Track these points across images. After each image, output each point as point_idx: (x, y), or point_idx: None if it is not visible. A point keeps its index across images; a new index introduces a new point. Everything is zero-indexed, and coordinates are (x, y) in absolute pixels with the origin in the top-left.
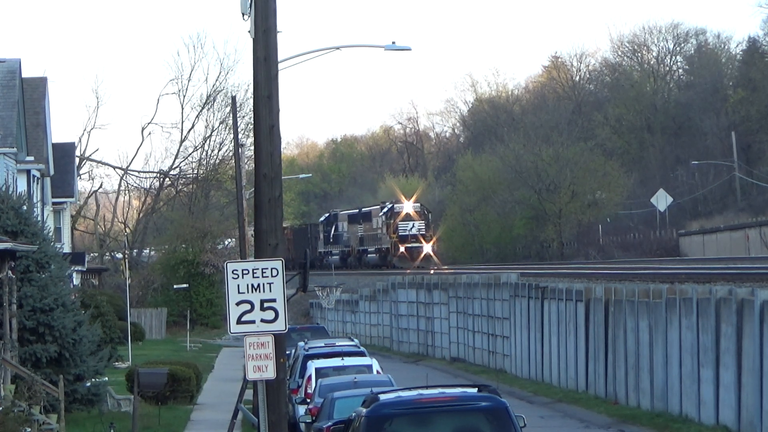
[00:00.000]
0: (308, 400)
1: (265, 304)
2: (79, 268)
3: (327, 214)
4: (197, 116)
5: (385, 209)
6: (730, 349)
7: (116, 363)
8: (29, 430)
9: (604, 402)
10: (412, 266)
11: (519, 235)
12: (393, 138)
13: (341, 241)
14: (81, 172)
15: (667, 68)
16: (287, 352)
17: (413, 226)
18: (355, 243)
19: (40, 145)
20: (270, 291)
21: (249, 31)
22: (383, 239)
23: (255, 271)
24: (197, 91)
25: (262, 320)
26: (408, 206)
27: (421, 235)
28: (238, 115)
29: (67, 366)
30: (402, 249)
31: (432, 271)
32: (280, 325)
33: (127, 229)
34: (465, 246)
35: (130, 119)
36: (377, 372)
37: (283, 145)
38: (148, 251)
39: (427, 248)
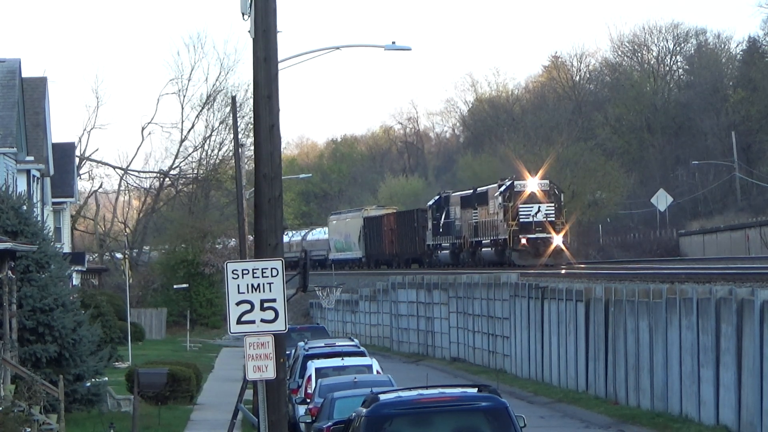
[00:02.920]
0: (308, 400)
1: (265, 304)
2: (79, 268)
3: (437, 196)
4: (197, 116)
5: (503, 188)
6: (730, 349)
7: (116, 363)
8: (29, 430)
9: (605, 402)
10: (536, 264)
11: None
12: (393, 138)
13: (452, 230)
14: (81, 172)
15: (667, 68)
16: (287, 352)
17: (539, 210)
18: (469, 233)
19: (40, 145)
20: (270, 291)
21: (249, 31)
22: (500, 228)
23: (255, 271)
24: (197, 91)
25: (262, 320)
26: (532, 183)
27: (549, 222)
28: (238, 115)
29: (67, 366)
30: (523, 241)
31: (563, 271)
32: (280, 325)
33: (127, 229)
34: None
35: (130, 119)
36: (377, 372)
37: (283, 145)
38: (148, 251)
39: (557, 240)
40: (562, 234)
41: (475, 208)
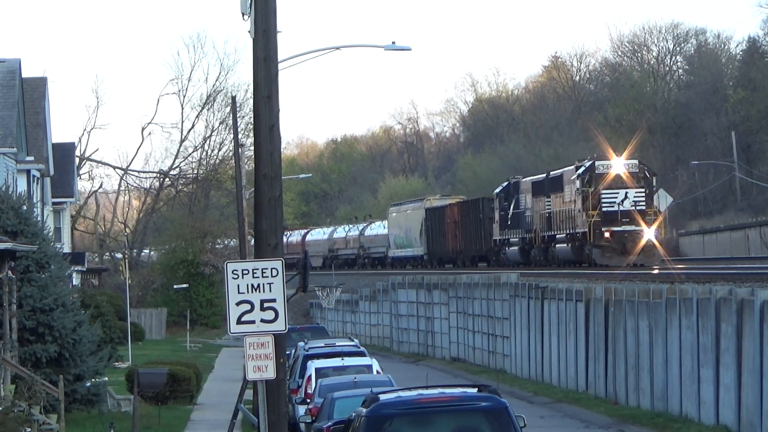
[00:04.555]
0: (308, 400)
1: (265, 304)
2: (79, 268)
3: (505, 182)
4: (197, 116)
5: (581, 170)
6: (730, 349)
7: (116, 363)
8: (29, 430)
9: (604, 402)
10: (622, 264)
11: None
12: (393, 138)
13: (522, 222)
14: (81, 172)
15: (667, 68)
16: (287, 352)
17: (625, 196)
18: (541, 226)
19: (40, 145)
20: (270, 291)
21: (249, 31)
22: (578, 219)
23: (255, 271)
24: (197, 91)
25: (262, 320)
26: (618, 164)
27: (639, 211)
28: (238, 115)
29: (67, 366)
30: (606, 235)
31: (656, 270)
32: (280, 325)
33: (127, 229)
34: None
35: (130, 119)
36: (377, 372)
37: (283, 145)
38: (148, 251)
39: (649, 233)
40: (654, 226)
41: (548, 195)
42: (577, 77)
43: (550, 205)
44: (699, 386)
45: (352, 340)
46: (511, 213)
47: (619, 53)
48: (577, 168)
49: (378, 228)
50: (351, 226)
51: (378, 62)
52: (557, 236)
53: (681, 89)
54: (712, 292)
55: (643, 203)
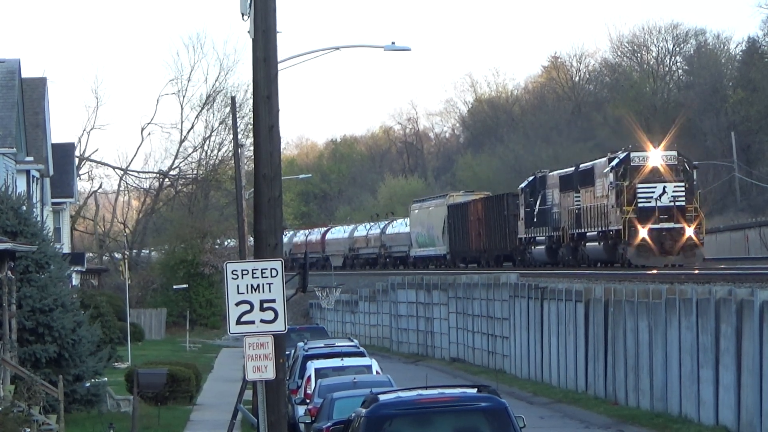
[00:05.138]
0: (308, 401)
1: (265, 305)
2: (79, 268)
3: (531, 177)
4: (197, 116)
5: (615, 162)
6: (730, 350)
7: (116, 363)
8: (29, 430)
9: (604, 402)
10: (661, 264)
11: None
12: (393, 138)
13: (549, 219)
14: (80, 172)
15: (667, 68)
16: (287, 353)
17: (663, 190)
18: (569, 223)
19: (39, 145)
20: (269, 291)
21: (249, 32)
22: (611, 215)
23: (254, 271)
24: (197, 91)
25: (262, 320)
26: (655, 156)
27: (678, 207)
28: (237, 116)
29: (66, 366)
30: (644, 234)
31: (697, 271)
32: (279, 326)
33: (127, 230)
34: None
35: (130, 119)
36: (377, 372)
37: (282, 146)
38: (147, 252)
39: (690, 231)
40: (695, 224)
41: (577, 190)
42: (577, 78)
43: (579, 200)
44: (698, 386)
45: (352, 341)
46: (537, 209)
47: (619, 53)
48: (610, 160)
49: (400, 226)
50: (372, 224)
51: (377, 62)
52: (588, 234)
53: (681, 89)
54: (711, 293)
55: (683, 198)
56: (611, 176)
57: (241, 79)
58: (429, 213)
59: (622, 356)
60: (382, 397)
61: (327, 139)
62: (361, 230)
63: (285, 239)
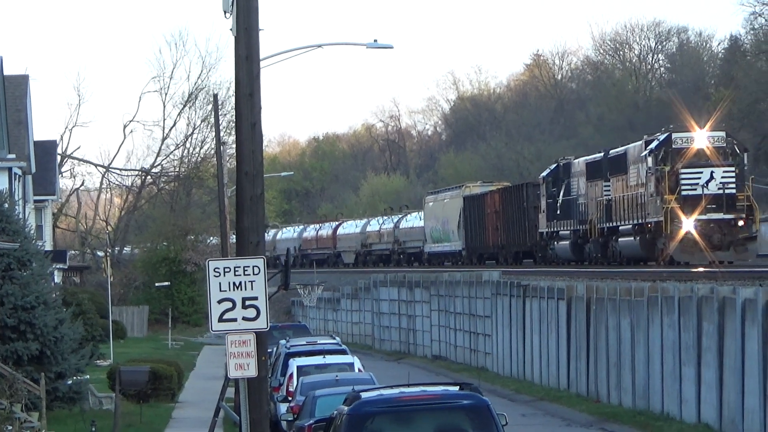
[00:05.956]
0: (290, 398)
1: (247, 302)
2: (61, 266)
3: (553, 165)
4: (179, 114)
5: (653, 144)
6: (712, 348)
7: (98, 361)
8: (10, 428)
9: (586, 400)
10: (707, 262)
11: None
12: (375, 136)
13: (575, 211)
14: (63, 169)
15: (649, 66)
16: (269, 350)
17: (711, 176)
18: (598, 215)
19: (21, 142)
20: (252, 289)
21: (231, 29)
22: (649, 205)
23: (237, 269)
24: (179, 88)
25: (244, 318)
26: (700, 137)
27: (728, 195)
28: (219, 113)
29: (48, 364)
30: (690, 227)
31: (748, 268)
32: (261, 323)
33: (109, 227)
34: None
35: (112, 117)
36: (359, 370)
37: (264, 143)
38: (129, 249)
39: (742, 223)
40: (748, 215)
41: (606, 178)
42: (559, 75)
43: (609, 189)
44: (681, 384)
45: (334, 338)
46: (560, 201)
47: (601, 51)
48: (647, 143)
49: (414, 219)
50: (386, 217)
51: (360, 60)
52: (620, 228)
53: (663, 87)
54: (693, 291)
55: (733, 185)
56: (649, 161)
57: (224, 77)
58: (443, 206)
59: (604, 354)
60: (364, 395)
61: (309, 137)
62: (374, 225)
63: (294, 234)
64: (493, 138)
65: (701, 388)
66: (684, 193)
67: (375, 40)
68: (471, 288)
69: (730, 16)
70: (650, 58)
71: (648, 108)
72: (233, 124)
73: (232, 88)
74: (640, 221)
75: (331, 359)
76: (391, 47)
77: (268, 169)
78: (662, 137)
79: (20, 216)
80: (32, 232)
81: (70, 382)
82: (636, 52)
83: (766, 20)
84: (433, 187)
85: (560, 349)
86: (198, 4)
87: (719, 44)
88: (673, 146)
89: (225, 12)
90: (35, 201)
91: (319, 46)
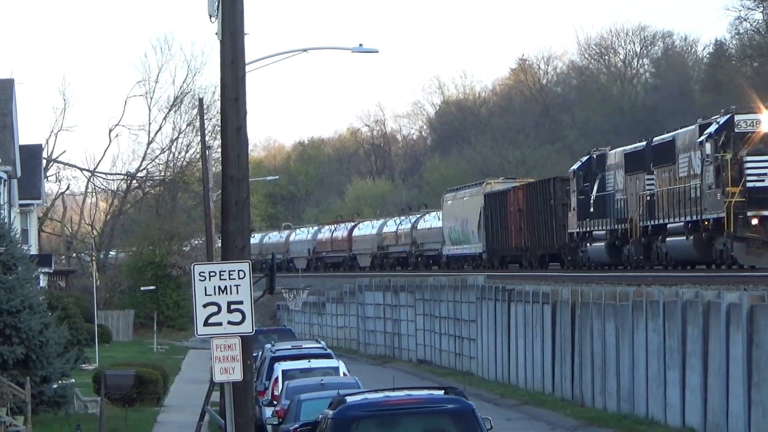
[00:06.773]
0: (275, 402)
1: (232, 306)
2: (46, 270)
3: (585, 156)
4: (164, 118)
5: (712, 128)
6: (697, 352)
7: (83, 365)
8: None
9: (571, 404)
10: None
11: None
12: (360, 140)
13: (611, 208)
14: (48, 174)
15: (634, 71)
16: (254, 354)
17: None
18: (640, 212)
19: (7, 147)
20: (237, 293)
21: (216, 34)
22: (707, 199)
23: (222, 273)
24: (164, 93)
25: (229, 322)
26: (767, 120)
27: None
28: (205, 117)
29: (33, 368)
30: (755, 221)
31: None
32: (247, 327)
33: (95, 231)
34: None
35: (98, 121)
36: (344, 374)
37: (250, 147)
38: (115, 253)
39: None
40: None
41: (650, 170)
42: (544, 80)
43: (653, 183)
44: (665, 388)
45: (319, 342)
46: (594, 197)
47: (587, 56)
48: (703, 127)
49: (432, 220)
50: (402, 218)
51: (345, 65)
52: (669, 226)
53: (648, 92)
54: (678, 295)
55: None
56: (707, 147)
57: (209, 81)
58: (463, 204)
59: (589, 358)
60: (349, 399)
61: (294, 141)
62: (391, 225)
63: (308, 236)
64: (478, 142)
65: (686, 392)
66: (750, 185)
67: (360, 45)
68: (456, 292)
69: (714, 21)
70: (635, 63)
71: (633, 112)
72: (219, 128)
73: (218, 92)
74: (693, 218)
75: (316, 363)
76: (377, 51)
77: (254, 173)
78: (722, 120)
79: (5, 220)
80: (18, 236)
81: (55, 386)
82: (621, 56)
83: (751, 25)
84: (418, 191)
85: (545, 354)
86: (183, 8)
87: (704, 49)
88: (736, 129)
89: (210, 16)
90: (21, 205)
91: (305, 50)
